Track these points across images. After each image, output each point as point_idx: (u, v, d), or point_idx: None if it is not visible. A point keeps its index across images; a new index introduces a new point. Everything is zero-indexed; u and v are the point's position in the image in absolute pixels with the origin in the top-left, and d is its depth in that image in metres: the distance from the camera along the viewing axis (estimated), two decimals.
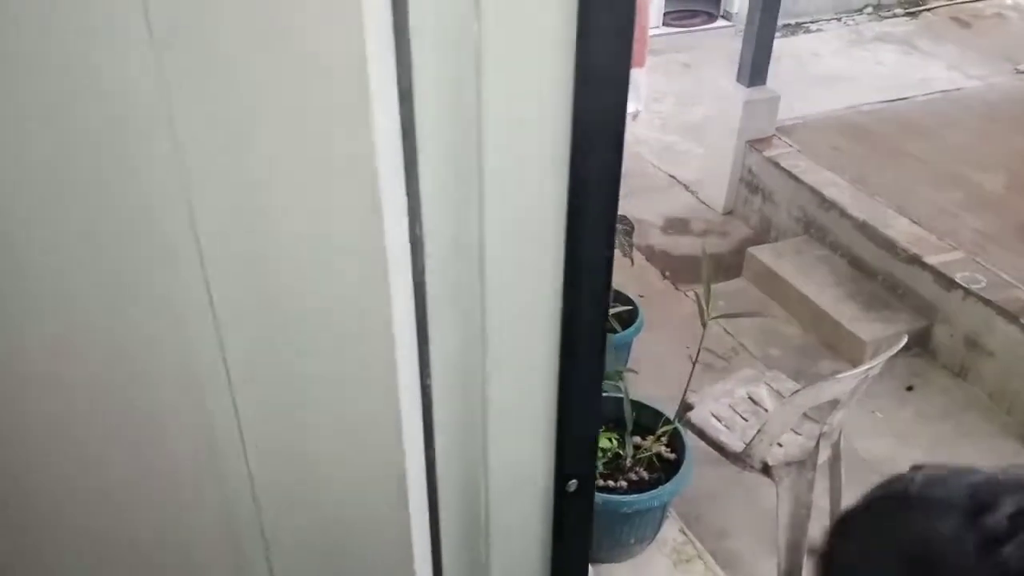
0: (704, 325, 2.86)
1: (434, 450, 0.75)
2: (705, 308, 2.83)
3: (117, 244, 0.73)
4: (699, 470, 3.16)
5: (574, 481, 0.84)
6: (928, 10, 8.03)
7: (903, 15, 7.98)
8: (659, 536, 2.95)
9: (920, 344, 4.00)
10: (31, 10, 0.63)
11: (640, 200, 5.25)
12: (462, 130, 0.61)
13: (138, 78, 0.63)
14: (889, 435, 3.67)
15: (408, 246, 0.64)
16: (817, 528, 3.00)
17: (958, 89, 6.15)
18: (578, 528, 0.89)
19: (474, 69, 0.59)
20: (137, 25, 0.61)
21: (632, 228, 3.20)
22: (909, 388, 3.88)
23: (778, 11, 4.65)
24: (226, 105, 0.63)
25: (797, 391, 2.90)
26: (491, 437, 0.76)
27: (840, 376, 2.70)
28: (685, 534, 3.04)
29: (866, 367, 2.73)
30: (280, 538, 0.89)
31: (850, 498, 2.96)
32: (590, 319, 0.75)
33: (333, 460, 0.79)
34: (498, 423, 0.77)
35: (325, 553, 0.87)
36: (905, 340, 2.79)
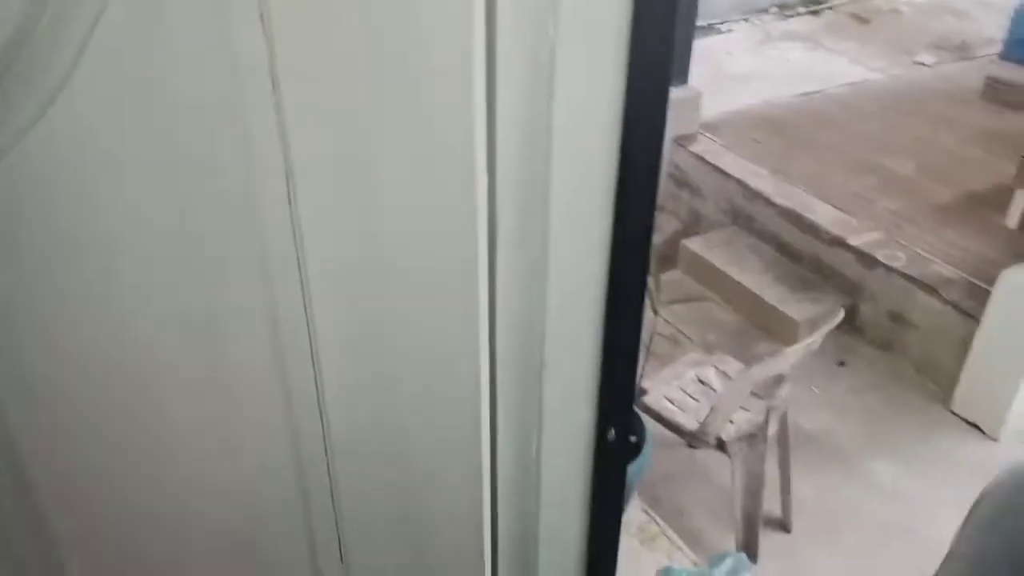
0: (656, 312, 3.00)
1: (496, 406, 0.84)
2: (656, 296, 2.98)
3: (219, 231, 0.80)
4: (656, 453, 3.31)
5: (612, 431, 0.94)
6: (829, 8, 8.45)
7: (806, 13, 8.38)
8: (624, 517, 3.07)
9: (847, 321, 4.23)
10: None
11: None
12: (534, 119, 0.71)
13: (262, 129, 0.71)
14: (826, 408, 3.89)
15: (487, 222, 0.74)
16: (768, 497, 3.18)
17: (863, 81, 6.51)
18: (615, 479, 0.99)
19: (548, 75, 0.68)
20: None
21: None
22: (841, 363, 4.12)
23: (696, 13, 4.87)
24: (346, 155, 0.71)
25: (746, 369, 3.06)
26: (545, 389, 0.86)
27: (784, 351, 2.88)
28: (648, 513, 3.17)
29: (807, 342, 2.92)
30: (349, 491, 0.96)
31: (797, 468, 3.13)
32: (633, 281, 0.85)
33: (415, 404, 0.87)
34: (551, 373, 0.86)
35: (396, 509, 0.95)
36: (841, 315, 2.99)
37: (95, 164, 0.78)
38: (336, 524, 1.01)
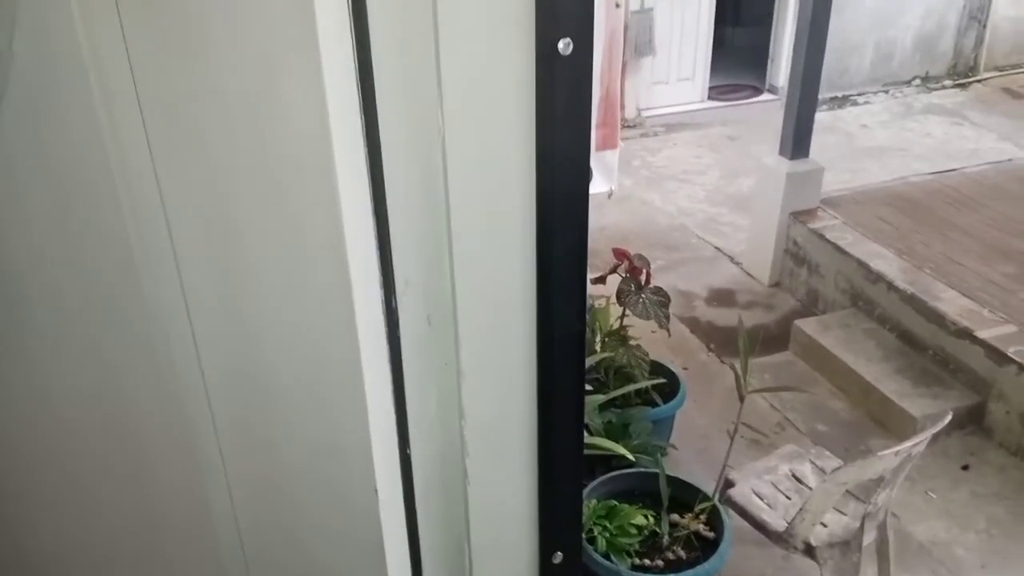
0: (742, 399, 2.82)
1: (416, 520, 0.76)
2: (743, 381, 2.80)
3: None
4: (745, 551, 3.07)
5: (560, 553, 0.84)
6: (978, 81, 7.99)
7: (952, 87, 7.96)
8: None
9: (974, 421, 3.87)
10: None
11: (685, 271, 5.25)
12: (431, 213, 0.64)
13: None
14: (943, 516, 3.53)
15: (383, 322, 0.67)
16: None
17: (1009, 160, 6.06)
18: None
19: (440, 155, 0.62)
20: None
21: (668, 299, 3.20)
22: (964, 467, 3.74)
23: (819, 84, 4.68)
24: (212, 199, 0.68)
25: (840, 467, 2.82)
26: (472, 504, 0.77)
27: (883, 453, 2.62)
28: None
29: (911, 443, 2.65)
30: None
31: None
32: (566, 389, 0.76)
33: (318, 532, 0.81)
34: (480, 495, 0.78)
35: None
36: (950, 416, 2.71)
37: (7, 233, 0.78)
38: None
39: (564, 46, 0.61)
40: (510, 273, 0.69)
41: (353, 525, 0.76)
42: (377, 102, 0.60)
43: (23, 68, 0.67)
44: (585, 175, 0.67)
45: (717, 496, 2.94)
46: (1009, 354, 3.74)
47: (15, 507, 0.94)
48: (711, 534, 2.84)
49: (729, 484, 3.06)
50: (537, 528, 0.82)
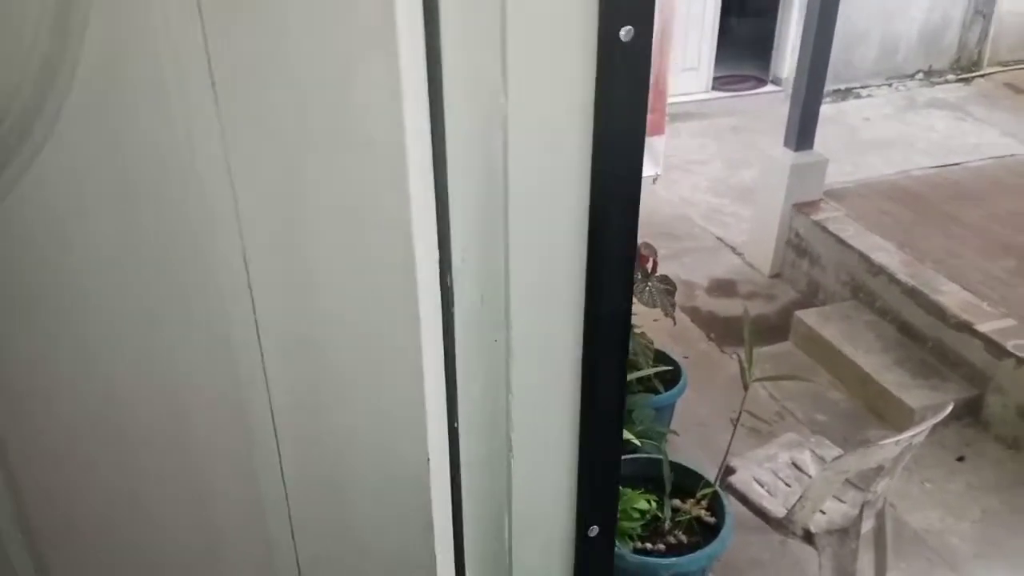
0: (746, 387, 2.86)
1: (460, 492, 0.79)
2: (747, 370, 2.83)
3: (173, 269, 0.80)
4: (744, 537, 3.11)
5: (595, 527, 0.87)
6: (982, 76, 8.00)
7: (955, 81, 7.97)
8: None
9: (971, 413, 3.91)
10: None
11: (687, 261, 5.28)
12: (489, 195, 0.66)
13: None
14: (939, 507, 3.58)
15: (438, 297, 0.69)
16: None
17: (1012, 155, 6.09)
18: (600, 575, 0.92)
19: (501, 140, 0.64)
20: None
21: (674, 288, 3.23)
22: (960, 459, 3.79)
23: (825, 76, 4.70)
24: (280, 165, 0.70)
25: (841, 456, 2.86)
26: (515, 479, 0.80)
27: (883, 442, 2.66)
28: None
29: (910, 433, 2.69)
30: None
31: (897, 570, 2.88)
32: (611, 368, 0.79)
33: (365, 497, 0.84)
34: (522, 467, 0.80)
35: None
36: (951, 407, 2.75)
37: (68, 224, 0.80)
38: None
39: (625, 33, 0.63)
40: (562, 253, 0.71)
41: (403, 493, 0.78)
42: (444, 84, 0.62)
43: (94, 48, 0.69)
44: (639, 160, 0.69)
45: (718, 482, 2.98)
46: (1008, 348, 3.78)
47: (60, 470, 0.97)
48: (712, 519, 2.88)
49: (730, 471, 3.10)
50: (575, 502, 0.85)
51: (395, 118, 0.60)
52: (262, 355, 0.80)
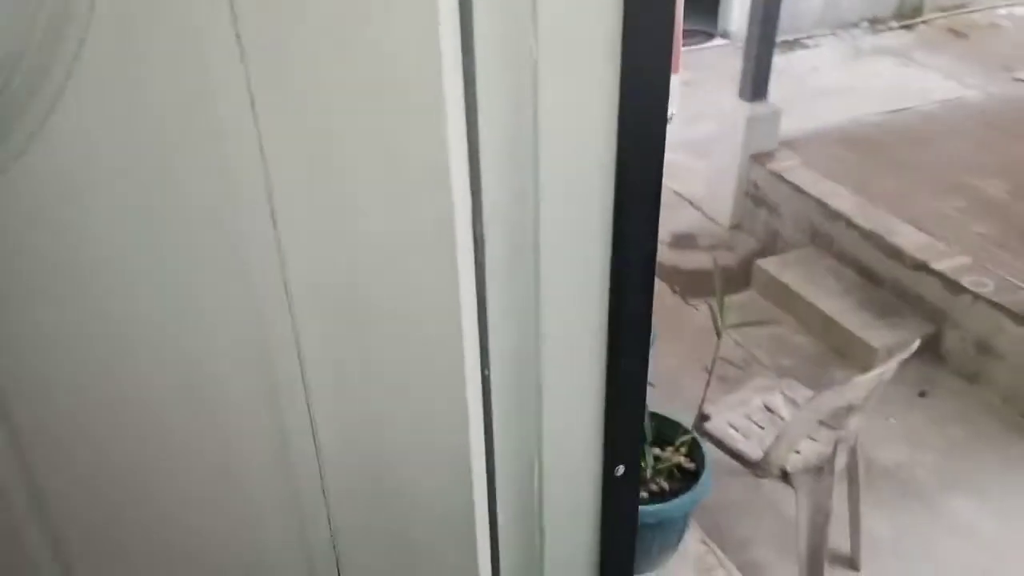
0: (719, 335, 2.91)
1: (492, 437, 0.80)
2: (719, 318, 2.88)
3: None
4: (718, 481, 3.19)
5: (622, 466, 0.89)
6: (923, 22, 8.13)
7: (899, 28, 8.09)
8: (681, 547, 2.97)
9: (931, 350, 4.04)
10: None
11: None
12: (519, 139, 0.67)
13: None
14: (903, 441, 3.70)
15: (471, 245, 0.70)
16: (835, 532, 3.04)
17: (957, 98, 6.23)
18: (625, 516, 0.94)
19: (531, 83, 0.65)
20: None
21: None
22: (922, 394, 3.92)
23: (776, 27, 4.74)
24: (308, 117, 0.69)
25: (814, 396, 2.94)
26: (545, 422, 0.81)
27: (856, 380, 2.74)
28: (707, 544, 3.06)
29: (880, 370, 2.78)
30: (346, 525, 0.94)
31: (868, 504, 2.98)
32: (637, 309, 0.80)
33: (402, 444, 0.85)
34: (552, 412, 0.82)
35: (391, 538, 0.92)
36: (918, 344, 2.84)
37: (83, 184, 0.78)
38: (336, 559, 0.99)
39: None
40: (592, 197, 0.72)
41: (441, 442, 0.79)
42: (474, 30, 0.62)
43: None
44: (665, 101, 0.70)
45: (694, 429, 3.04)
46: (963, 284, 3.90)
47: (77, 453, 0.96)
48: (691, 465, 2.94)
49: (705, 417, 3.17)
50: (602, 443, 0.87)
51: (432, 62, 0.60)
52: (292, 316, 0.80)
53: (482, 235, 0.71)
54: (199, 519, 1.01)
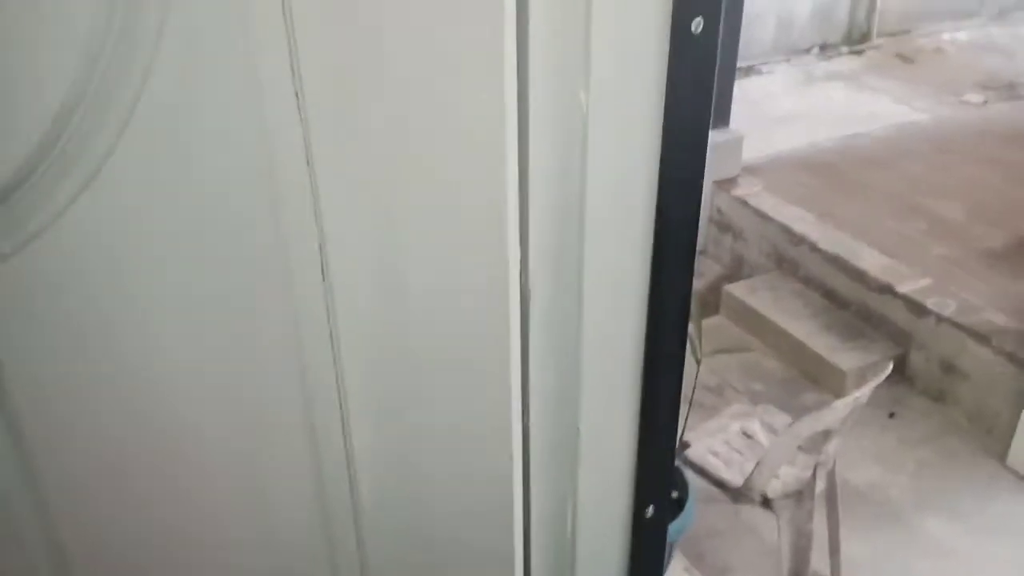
0: (698, 362, 2.93)
1: (530, 481, 0.80)
2: (698, 345, 2.91)
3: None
4: (699, 509, 3.20)
5: (652, 507, 0.89)
6: (873, 48, 8.36)
7: (848, 53, 8.30)
8: None
9: (898, 371, 4.11)
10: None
11: None
12: (566, 190, 0.67)
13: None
14: (875, 462, 3.76)
15: (519, 295, 0.70)
16: (817, 557, 3.06)
17: (909, 122, 6.40)
18: (653, 556, 0.94)
19: (581, 136, 0.65)
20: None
21: None
22: (891, 415, 3.98)
23: (736, 56, 4.84)
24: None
25: (793, 422, 2.97)
26: (581, 467, 0.81)
27: (833, 404, 2.78)
28: (690, 573, 3.07)
29: (856, 394, 2.82)
30: (383, 566, 0.92)
31: (846, 526, 3.02)
32: (671, 354, 0.81)
33: (444, 491, 0.84)
34: (588, 456, 0.82)
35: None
36: (891, 368, 2.89)
37: (130, 241, 0.77)
38: None
39: (696, 25, 0.65)
40: (632, 244, 0.73)
41: (485, 491, 0.78)
42: (529, 81, 0.62)
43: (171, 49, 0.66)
44: (704, 151, 0.71)
45: (676, 457, 3.05)
46: (928, 306, 3.98)
47: (90, 468, 0.92)
48: (675, 494, 2.95)
49: (685, 445, 3.18)
50: (634, 485, 0.87)
51: (497, 114, 0.60)
52: (336, 362, 0.79)
53: (527, 285, 0.70)
54: (235, 558, 0.98)
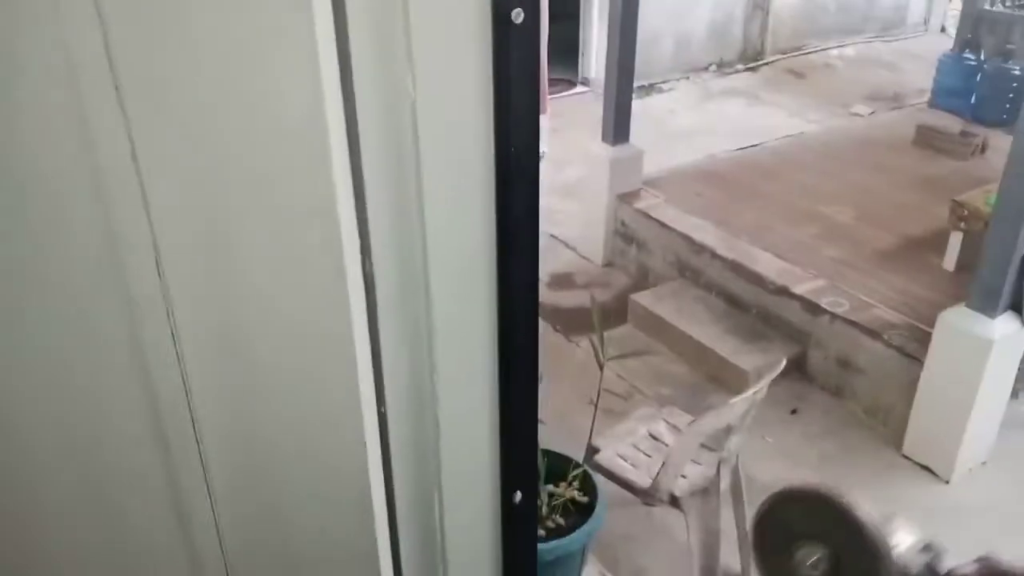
0: (601, 367, 2.98)
1: (392, 469, 0.81)
2: (600, 351, 2.96)
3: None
4: (611, 512, 3.25)
5: (519, 493, 0.91)
6: (766, 64, 8.71)
7: (744, 70, 8.62)
8: None
9: (798, 369, 4.26)
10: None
11: None
12: (402, 178, 0.69)
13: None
14: (780, 457, 3.87)
15: (362, 283, 0.71)
16: (726, 552, 3.13)
17: (801, 133, 6.67)
18: (525, 542, 0.96)
19: (411, 123, 0.68)
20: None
21: None
22: (793, 411, 4.12)
23: (633, 74, 4.98)
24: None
25: (694, 421, 3.05)
26: (443, 453, 0.83)
27: (732, 401, 2.87)
28: None
29: (752, 391, 2.91)
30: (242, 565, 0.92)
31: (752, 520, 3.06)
32: (523, 340, 0.83)
33: (300, 489, 0.84)
34: (450, 443, 0.84)
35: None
36: (784, 363, 3.00)
37: None
38: None
39: (516, 15, 0.68)
40: (475, 231, 0.75)
41: (341, 481, 0.79)
42: (353, 71, 0.64)
43: None
44: (536, 136, 0.74)
45: (585, 463, 3.09)
46: (823, 305, 4.15)
47: None
48: (585, 499, 2.99)
49: (594, 450, 3.23)
50: (499, 471, 0.89)
51: (315, 104, 0.62)
52: (180, 360, 0.79)
53: (371, 272, 0.72)
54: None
